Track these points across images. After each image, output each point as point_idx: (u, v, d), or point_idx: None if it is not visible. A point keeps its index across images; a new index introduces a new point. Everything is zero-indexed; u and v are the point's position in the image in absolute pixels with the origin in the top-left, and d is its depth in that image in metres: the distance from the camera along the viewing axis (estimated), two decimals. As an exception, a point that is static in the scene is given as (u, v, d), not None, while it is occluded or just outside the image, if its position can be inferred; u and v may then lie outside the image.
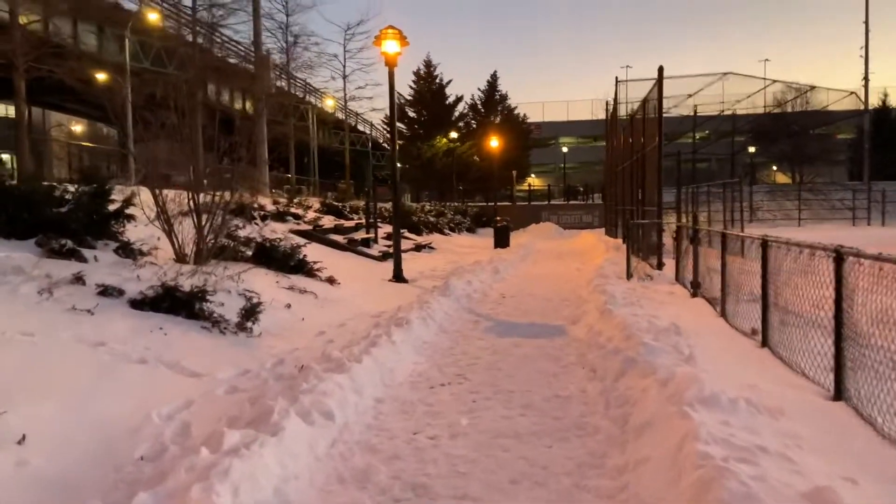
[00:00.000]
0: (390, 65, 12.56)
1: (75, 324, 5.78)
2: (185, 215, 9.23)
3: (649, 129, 16.45)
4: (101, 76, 19.08)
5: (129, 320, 6.25)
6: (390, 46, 12.31)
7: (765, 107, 41.19)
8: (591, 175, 63.29)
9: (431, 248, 21.01)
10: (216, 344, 6.37)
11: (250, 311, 7.02)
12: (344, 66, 29.47)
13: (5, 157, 29.26)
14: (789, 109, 44.73)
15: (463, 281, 11.89)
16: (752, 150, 46.83)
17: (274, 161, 34.22)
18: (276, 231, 14.30)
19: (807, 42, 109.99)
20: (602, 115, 43.60)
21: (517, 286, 12.91)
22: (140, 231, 9.11)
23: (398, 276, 12.81)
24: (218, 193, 9.40)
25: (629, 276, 12.55)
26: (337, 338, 7.32)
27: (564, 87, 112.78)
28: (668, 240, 13.97)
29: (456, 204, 38.11)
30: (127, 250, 8.65)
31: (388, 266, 13.34)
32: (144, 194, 9.21)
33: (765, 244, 6.64)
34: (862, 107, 46.39)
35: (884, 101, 55.55)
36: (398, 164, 47.06)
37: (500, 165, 40.23)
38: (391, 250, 18.27)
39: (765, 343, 6.63)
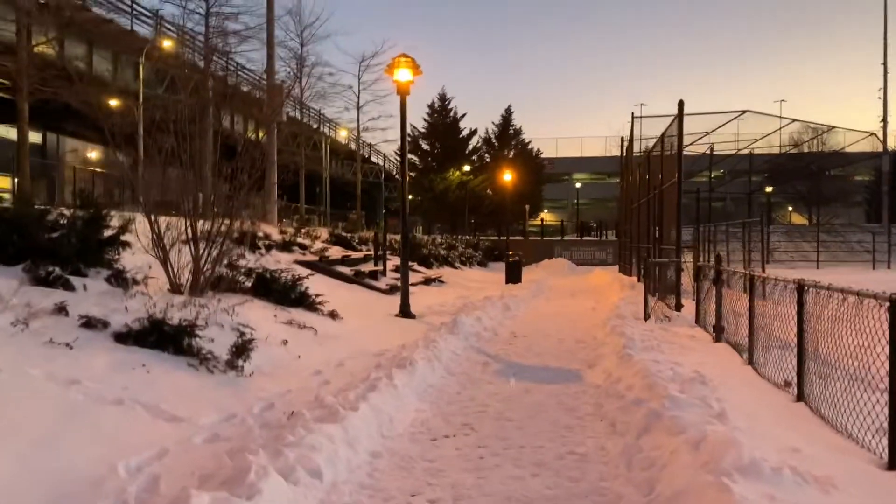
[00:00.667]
0: (402, 93, 12.24)
1: (49, 359, 5.31)
2: (184, 243, 8.83)
3: (667, 166, 16.03)
4: (114, 102, 18.97)
5: (110, 355, 5.78)
6: (402, 75, 12.00)
7: (780, 146, 40.76)
8: (603, 211, 62.94)
9: (441, 281, 20.53)
10: (202, 384, 5.87)
11: (241, 349, 6.53)
12: (358, 97, 29.42)
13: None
14: (806, 149, 44.30)
15: (472, 318, 11.37)
16: (768, 189, 46.24)
17: (285, 191, 34.16)
18: (281, 261, 13.89)
19: (823, 83, 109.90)
20: (616, 152, 43.41)
21: (529, 325, 12.37)
22: (137, 259, 8.69)
23: (405, 312, 12.31)
24: (217, 221, 9.01)
25: (647, 316, 11.99)
26: (334, 379, 6.80)
27: (578, 123, 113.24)
28: (685, 279, 13.44)
29: (468, 237, 37.70)
30: (119, 279, 8.22)
31: (396, 300, 12.85)
32: (145, 221, 8.82)
33: (801, 288, 6.11)
34: (880, 148, 45.97)
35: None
36: (409, 196, 46.88)
37: (512, 199, 39.92)
38: (400, 283, 17.87)
39: (800, 397, 6.06)
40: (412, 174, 47.76)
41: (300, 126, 26.14)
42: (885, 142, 45.11)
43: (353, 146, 43.40)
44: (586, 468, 4.62)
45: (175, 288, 8.53)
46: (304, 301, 9.98)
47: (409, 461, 4.72)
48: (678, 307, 12.96)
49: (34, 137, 34.63)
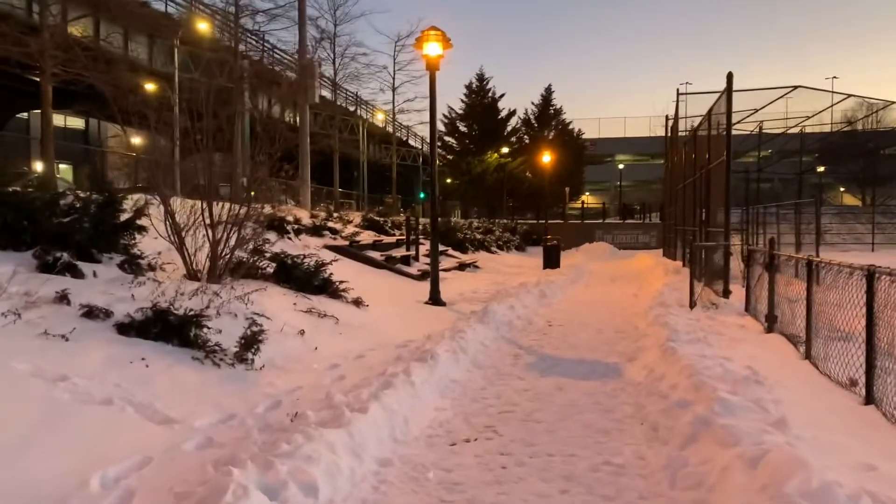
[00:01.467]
0: (431, 68, 11.64)
1: (40, 353, 4.93)
2: (207, 227, 8.43)
3: (715, 144, 15.12)
4: (149, 86, 18.79)
5: (107, 348, 5.38)
6: (432, 49, 11.40)
7: (832, 124, 38.91)
8: (647, 194, 61.37)
9: (476, 266, 19.96)
10: (205, 380, 5.44)
11: (250, 340, 6.09)
12: (393, 78, 28.81)
13: (64, 167, 29.59)
14: (860, 127, 42.29)
15: (505, 306, 10.80)
16: (820, 169, 44.32)
17: (322, 176, 33.83)
18: (310, 246, 13.53)
19: (877, 60, 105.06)
20: (660, 132, 41.98)
21: (566, 313, 11.74)
22: (157, 244, 8.33)
23: (435, 299, 11.80)
24: (239, 205, 8.59)
25: (692, 304, 11.25)
26: (350, 373, 6.33)
27: (621, 104, 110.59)
28: (734, 264, 12.61)
29: (505, 221, 36.97)
30: (133, 265, 7.88)
31: (426, 286, 12.35)
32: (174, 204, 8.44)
33: (871, 275, 5.38)
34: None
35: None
36: (448, 180, 46.19)
37: (552, 181, 38.99)
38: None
39: (869, 399, 5.35)
40: (449, 157, 47.13)
41: (334, 108, 25.67)
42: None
43: (389, 129, 42.94)
44: (623, 484, 4.04)
45: (192, 274, 8.16)
46: (328, 288, 9.54)
47: (423, 471, 4.20)
48: (726, 293, 12.16)
49: (75, 123, 35.11)
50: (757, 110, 25.38)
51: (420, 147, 52.39)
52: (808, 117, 29.08)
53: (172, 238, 8.13)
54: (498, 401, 5.88)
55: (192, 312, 6.09)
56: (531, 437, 4.91)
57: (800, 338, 7.50)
